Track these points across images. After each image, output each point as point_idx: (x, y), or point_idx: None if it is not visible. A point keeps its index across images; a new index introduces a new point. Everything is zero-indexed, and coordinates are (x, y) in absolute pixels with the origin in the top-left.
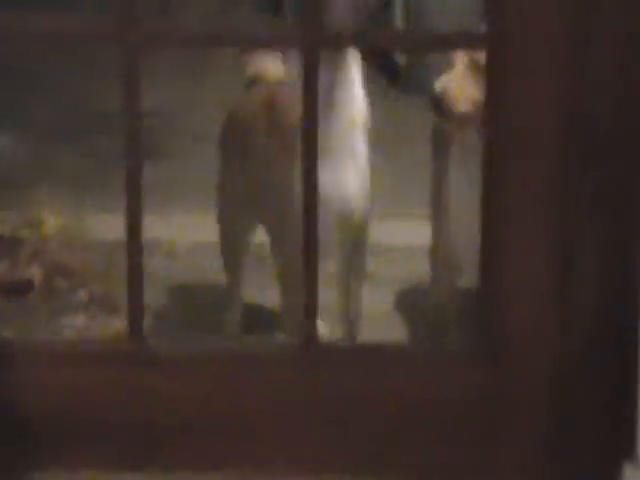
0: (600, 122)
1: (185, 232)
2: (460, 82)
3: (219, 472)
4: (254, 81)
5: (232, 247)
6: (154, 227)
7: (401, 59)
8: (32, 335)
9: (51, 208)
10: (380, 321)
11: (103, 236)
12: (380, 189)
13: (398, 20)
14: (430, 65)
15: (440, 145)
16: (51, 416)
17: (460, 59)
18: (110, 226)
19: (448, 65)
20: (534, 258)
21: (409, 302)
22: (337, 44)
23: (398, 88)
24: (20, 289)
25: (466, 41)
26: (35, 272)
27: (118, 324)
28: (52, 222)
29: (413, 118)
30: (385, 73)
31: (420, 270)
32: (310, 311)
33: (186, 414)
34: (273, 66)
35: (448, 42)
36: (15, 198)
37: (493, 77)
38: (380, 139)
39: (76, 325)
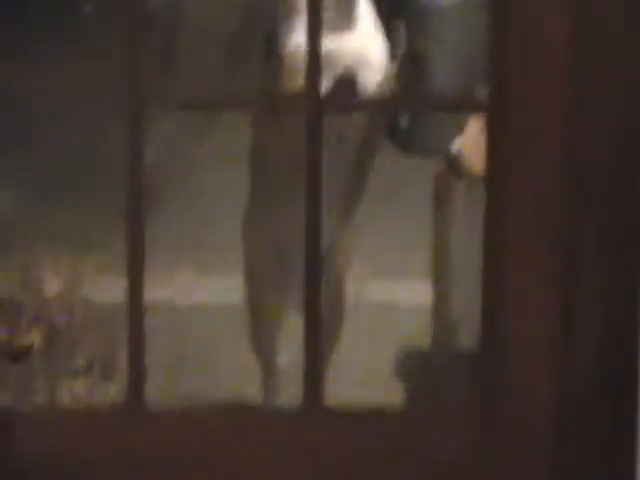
0: (603, 171)
1: (186, 292)
2: (475, 142)
3: None
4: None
5: (264, 330)
6: (155, 288)
7: (403, 121)
8: (31, 400)
9: (51, 271)
10: (380, 380)
11: (103, 298)
12: (380, 247)
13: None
14: (432, 126)
15: (443, 204)
16: None
17: (474, 119)
18: (110, 288)
19: (458, 125)
20: (536, 313)
21: (410, 364)
22: (342, 109)
23: (400, 148)
24: (20, 354)
25: (466, 104)
26: (35, 337)
27: (118, 389)
28: (52, 285)
29: (414, 177)
30: (389, 134)
31: (422, 330)
32: (312, 373)
33: (187, 476)
34: None
35: (450, 105)
36: (15, 261)
37: (494, 139)
38: (381, 197)
39: (76, 390)
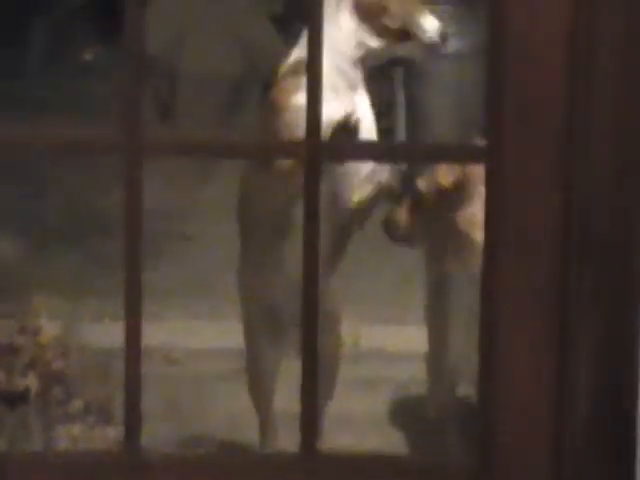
0: (596, 221)
1: (183, 338)
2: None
3: None
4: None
5: (262, 378)
6: (151, 333)
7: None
8: (26, 446)
9: (48, 316)
10: (376, 427)
11: (100, 343)
12: (374, 294)
13: (401, 127)
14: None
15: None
16: None
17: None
18: (107, 333)
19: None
20: (532, 361)
21: (405, 411)
22: (340, 157)
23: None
24: (16, 398)
25: (465, 153)
26: (31, 381)
27: (114, 433)
28: (49, 330)
29: None
30: None
31: (418, 376)
32: (308, 420)
33: None
34: None
35: (448, 154)
36: (12, 306)
37: (492, 190)
38: (377, 242)
39: (73, 434)
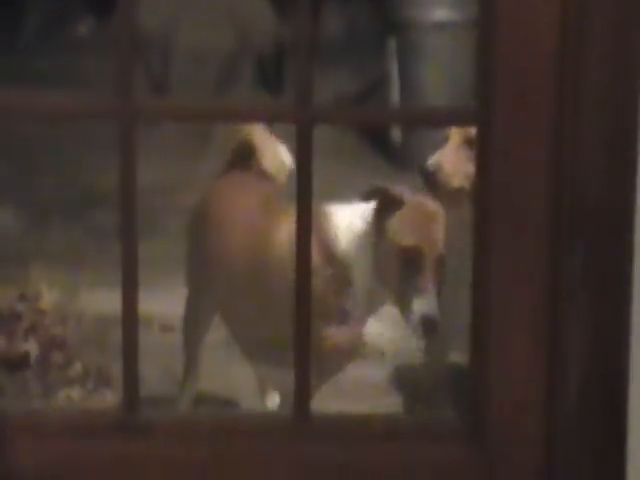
0: (588, 200)
1: (179, 306)
2: (454, 158)
3: None
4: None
5: (194, 325)
6: (148, 302)
7: (396, 136)
8: (26, 407)
9: (48, 283)
10: (370, 394)
11: (98, 311)
12: None
13: (395, 98)
14: (426, 142)
15: None
16: None
17: (455, 134)
18: (105, 301)
19: (444, 138)
20: (523, 335)
21: (405, 377)
22: (331, 120)
23: (394, 165)
24: (17, 363)
25: (458, 118)
26: (31, 346)
27: (113, 397)
28: (48, 298)
29: None
30: (382, 150)
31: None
32: (302, 383)
33: None
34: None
35: (440, 118)
36: (12, 273)
37: (482, 159)
38: None
39: (72, 398)
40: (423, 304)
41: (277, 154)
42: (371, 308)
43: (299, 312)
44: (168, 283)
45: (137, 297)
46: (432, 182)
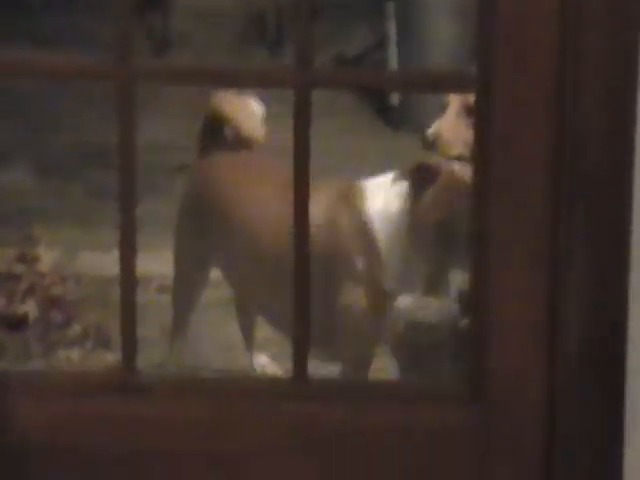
0: (588, 157)
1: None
2: (453, 126)
3: None
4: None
5: (185, 279)
6: (146, 263)
7: (395, 99)
8: (26, 368)
9: (47, 244)
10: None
11: (98, 272)
12: None
13: (393, 61)
14: (425, 105)
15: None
16: (39, 446)
17: (454, 101)
18: (105, 262)
19: (442, 105)
20: (522, 297)
21: (411, 336)
22: (330, 84)
23: (393, 128)
24: (16, 323)
25: (456, 82)
26: (31, 307)
27: (112, 358)
28: (48, 258)
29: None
30: (381, 114)
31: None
32: (300, 344)
33: (176, 447)
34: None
35: (438, 82)
36: (11, 234)
37: (481, 123)
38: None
39: (71, 359)
40: (460, 279)
41: (251, 114)
42: (407, 286)
43: (298, 274)
44: (167, 244)
45: (135, 258)
46: (432, 149)
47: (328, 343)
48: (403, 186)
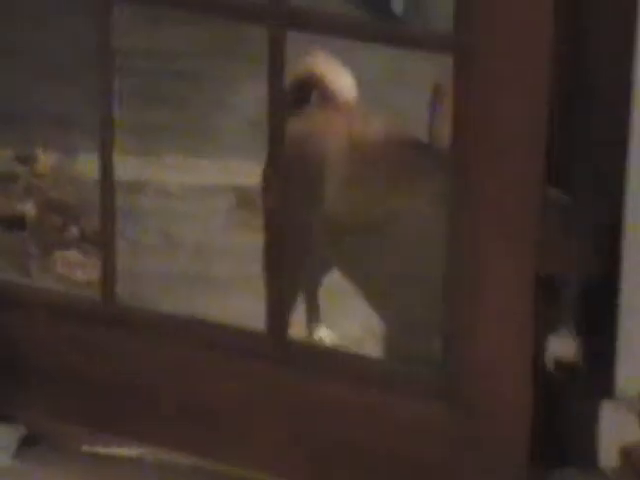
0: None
1: (180, 174)
2: None
3: (174, 449)
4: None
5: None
6: (148, 168)
7: (399, 7)
8: (24, 270)
9: (45, 146)
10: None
11: (97, 175)
12: None
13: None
14: (429, 16)
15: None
16: (11, 364)
17: None
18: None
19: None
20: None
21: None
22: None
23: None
24: (14, 224)
25: (433, 43)
26: (29, 208)
27: None
28: (46, 160)
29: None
30: (382, 20)
31: None
32: (278, 306)
33: (151, 383)
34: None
35: (415, 41)
36: (10, 135)
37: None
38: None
39: (68, 260)
40: None
41: (344, 77)
42: None
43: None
44: (168, 150)
45: (113, 161)
46: None
47: None
48: None
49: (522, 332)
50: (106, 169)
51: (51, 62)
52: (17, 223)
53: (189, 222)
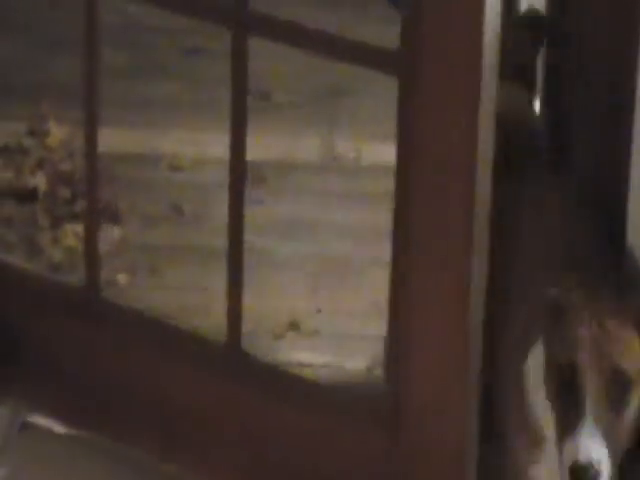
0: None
1: (188, 147)
2: None
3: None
4: None
5: None
6: (156, 141)
7: None
8: (34, 242)
9: (56, 119)
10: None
11: (106, 148)
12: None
13: None
14: None
15: None
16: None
17: None
18: (114, 138)
19: None
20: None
21: None
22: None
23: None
24: (25, 196)
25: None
26: (40, 180)
27: (119, 232)
28: (57, 134)
29: None
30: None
31: None
32: (234, 315)
33: (123, 379)
34: None
35: (360, 56)
36: (21, 109)
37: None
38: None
39: (78, 232)
40: None
41: None
42: None
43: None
44: (180, 124)
45: (97, 133)
46: None
47: None
48: None
49: (460, 373)
50: (91, 140)
51: (65, 36)
52: (29, 196)
53: (200, 195)
